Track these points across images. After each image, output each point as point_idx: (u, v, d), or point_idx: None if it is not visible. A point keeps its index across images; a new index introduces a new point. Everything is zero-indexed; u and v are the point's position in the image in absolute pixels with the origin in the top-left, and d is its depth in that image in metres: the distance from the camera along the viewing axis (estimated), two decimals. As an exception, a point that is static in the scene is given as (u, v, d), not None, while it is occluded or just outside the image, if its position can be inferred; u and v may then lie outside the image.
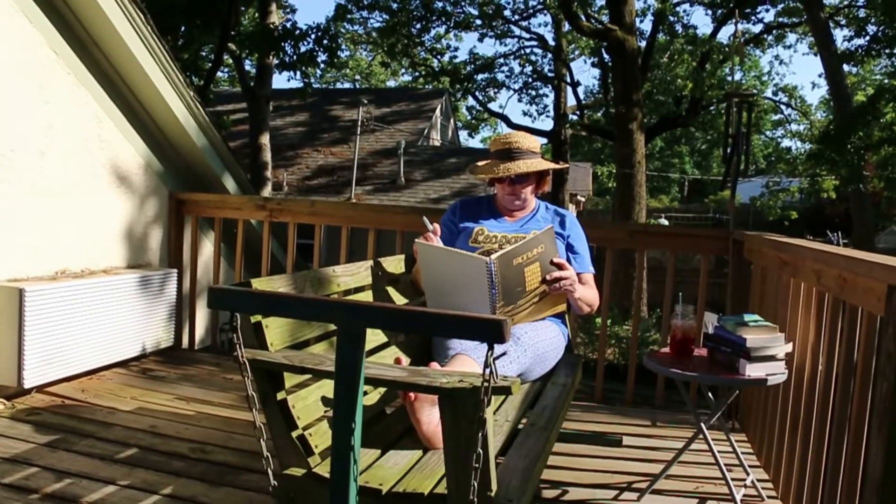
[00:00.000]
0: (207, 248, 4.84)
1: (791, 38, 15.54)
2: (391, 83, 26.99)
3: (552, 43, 19.04)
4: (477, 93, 19.59)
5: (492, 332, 1.34)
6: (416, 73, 19.80)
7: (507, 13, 17.44)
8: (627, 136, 13.52)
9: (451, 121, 18.36)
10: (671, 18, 15.88)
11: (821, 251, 2.46)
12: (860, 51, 10.54)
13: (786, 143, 26.44)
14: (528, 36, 19.03)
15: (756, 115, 17.88)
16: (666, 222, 24.10)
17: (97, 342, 3.80)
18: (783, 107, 16.83)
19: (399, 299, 2.71)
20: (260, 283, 1.82)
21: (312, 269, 2.15)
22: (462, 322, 1.36)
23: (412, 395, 1.90)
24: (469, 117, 22.78)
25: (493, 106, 20.47)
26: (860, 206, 11.27)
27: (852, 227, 12.50)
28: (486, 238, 2.80)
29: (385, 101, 15.37)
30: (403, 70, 20.32)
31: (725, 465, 2.70)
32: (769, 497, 2.86)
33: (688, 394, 2.77)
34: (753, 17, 14.86)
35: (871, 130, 9.72)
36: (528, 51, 19.38)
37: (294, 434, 1.78)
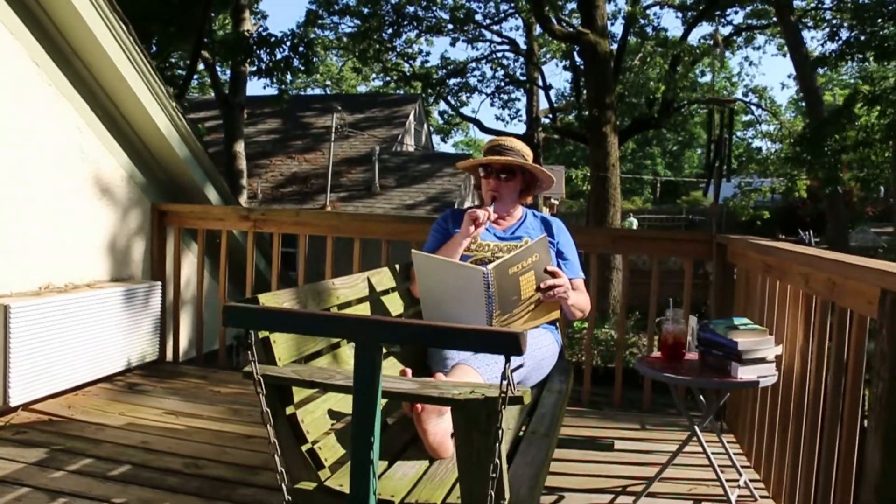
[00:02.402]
0: (189, 259, 4.80)
1: (760, 39, 15.81)
2: (362, 88, 26.96)
3: (524, 47, 19.16)
4: (449, 97, 19.66)
5: (509, 345, 1.36)
6: (388, 79, 19.81)
7: (478, 17, 17.53)
8: (601, 140, 13.63)
9: (425, 126, 18.37)
10: (641, 21, 16.05)
11: (809, 255, 2.51)
12: (833, 55, 10.75)
13: (756, 143, 26.82)
14: (499, 40, 19.16)
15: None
16: (636, 222, 24.32)
17: (82, 357, 3.75)
18: (754, 108, 17.12)
19: (395, 309, 2.72)
20: (266, 299, 1.82)
21: (313, 283, 2.15)
22: (479, 335, 1.37)
23: (419, 406, 1.91)
24: (441, 122, 22.85)
25: (466, 110, 20.56)
26: (834, 206, 11.52)
27: (826, 226, 12.75)
28: (478, 246, 2.81)
29: (358, 107, 15.31)
30: (374, 75, 20.30)
31: (717, 466, 2.74)
32: (762, 497, 2.91)
33: (679, 397, 2.81)
34: (723, 20, 15.09)
35: (847, 133, 9.91)
36: (499, 55, 19.50)
37: (304, 448, 1.78)
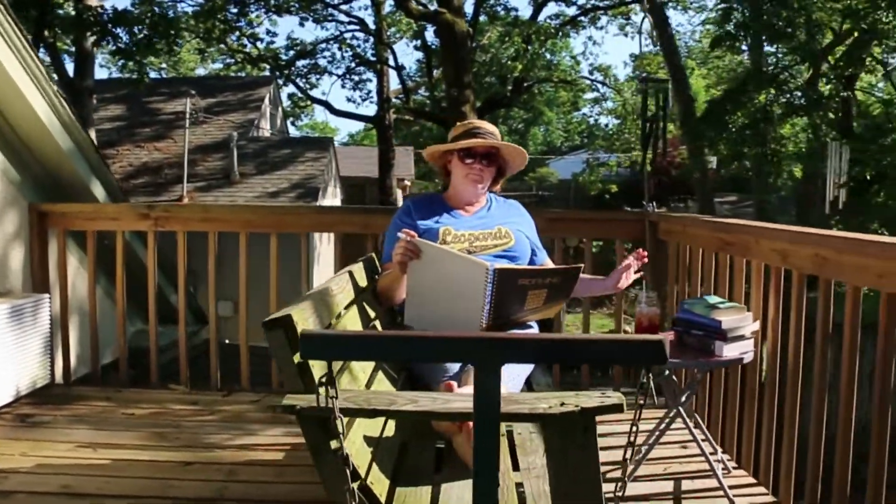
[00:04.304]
0: (73, 265, 4.24)
1: (603, 20, 16.46)
2: (200, 71, 25.50)
3: (373, 27, 18.80)
4: (298, 79, 18.99)
5: (652, 355, 1.21)
6: (232, 60, 18.84)
7: (326, -4, 16.99)
8: (461, 119, 13.64)
9: (280, 109, 17.64)
10: (491, 1, 16.21)
11: (797, 232, 2.55)
12: (727, 36, 11.35)
13: (603, 120, 27.96)
14: (347, 20, 18.67)
15: (574, 94, 18.81)
16: (491, 200, 24.75)
17: (-35, 389, 3.20)
18: (599, 85, 17.87)
19: (371, 312, 2.49)
20: (299, 317, 1.55)
21: (318, 292, 1.88)
22: (619, 346, 1.21)
23: (470, 423, 1.72)
24: (288, 105, 22.01)
25: (316, 93, 19.83)
26: (702, 179, 12.30)
27: (696, 197, 13.55)
28: (454, 238, 2.63)
29: (208, 90, 14.36)
30: (219, 57, 19.22)
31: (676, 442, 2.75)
32: (733, 468, 2.95)
33: (669, 381, 2.78)
34: (570, 1, 15.51)
35: (749, 111, 10.53)
36: (348, 35, 19.03)
37: (355, 485, 1.54)
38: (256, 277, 3.86)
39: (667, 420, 2.81)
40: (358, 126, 43.40)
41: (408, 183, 26.19)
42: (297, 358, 1.53)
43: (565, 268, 2.35)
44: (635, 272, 2.67)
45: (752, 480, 2.86)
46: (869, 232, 7.38)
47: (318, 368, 1.57)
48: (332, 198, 14.08)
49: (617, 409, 1.46)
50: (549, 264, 2.84)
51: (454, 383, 1.96)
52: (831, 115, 10.21)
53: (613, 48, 59.50)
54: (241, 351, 3.90)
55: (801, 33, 9.85)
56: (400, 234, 2.35)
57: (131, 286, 4.03)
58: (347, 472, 1.30)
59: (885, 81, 13.82)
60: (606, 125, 24.16)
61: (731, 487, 2.69)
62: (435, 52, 18.38)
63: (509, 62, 15.72)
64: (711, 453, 2.88)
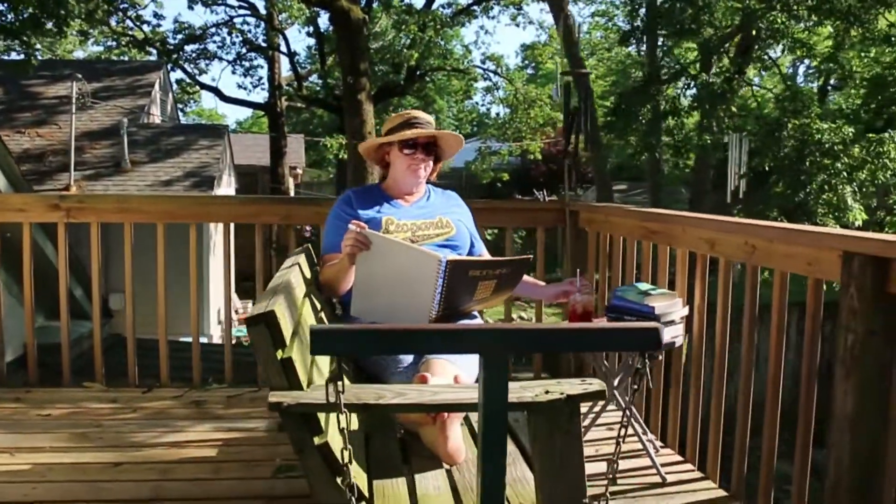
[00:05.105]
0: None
1: (495, 9, 16.69)
2: (79, 53, 24.10)
3: (264, 11, 18.33)
4: (186, 65, 18.28)
5: (648, 342, 1.27)
6: (114, 44, 17.93)
7: (215, -21, 16.41)
8: (357, 107, 13.53)
9: (170, 96, 16.90)
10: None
11: (726, 222, 2.69)
12: (635, 30, 11.76)
13: (494, 109, 28.28)
14: (237, 4, 18.11)
15: (467, 83, 18.99)
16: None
17: None
18: (491, 74, 18.11)
19: (318, 304, 2.46)
20: (279, 310, 1.52)
21: (282, 285, 1.84)
22: (617, 334, 1.26)
23: (445, 413, 1.74)
24: (177, 91, 21.18)
25: (205, 79, 19.17)
26: (601, 168, 12.75)
27: (595, 184, 14.07)
28: (397, 227, 2.64)
29: (95, 74, 13.53)
30: (103, 40, 18.18)
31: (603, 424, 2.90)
32: (660, 447, 3.10)
33: (607, 365, 2.90)
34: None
35: (658, 104, 10.94)
36: (239, 20, 18.46)
37: (348, 480, 1.54)
38: (142, 270, 3.73)
39: (602, 403, 2.93)
40: (246, 113, 42.15)
41: (300, 171, 25.71)
42: (280, 354, 1.50)
43: (514, 259, 2.40)
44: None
45: (679, 458, 3.01)
46: (768, 220, 7.88)
47: (300, 365, 1.55)
48: (227, 187, 13.67)
49: (599, 395, 1.52)
50: (486, 255, 2.89)
51: (428, 375, 1.97)
52: (733, 109, 10.88)
53: (504, 38, 61.12)
54: (160, 345, 3.77)
55: (706, 31, 10.45)
56: (350, 226, 2.33)
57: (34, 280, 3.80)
58: (350, 467, 1.29)
59: (762, 77, 14.82)
60: (498, 114, 24.58)
61: (661, 465, 2.83)
62: (328, 38, 18.12)
63: (405, 50, 15.69)
64: (642, 433, 3.02)
